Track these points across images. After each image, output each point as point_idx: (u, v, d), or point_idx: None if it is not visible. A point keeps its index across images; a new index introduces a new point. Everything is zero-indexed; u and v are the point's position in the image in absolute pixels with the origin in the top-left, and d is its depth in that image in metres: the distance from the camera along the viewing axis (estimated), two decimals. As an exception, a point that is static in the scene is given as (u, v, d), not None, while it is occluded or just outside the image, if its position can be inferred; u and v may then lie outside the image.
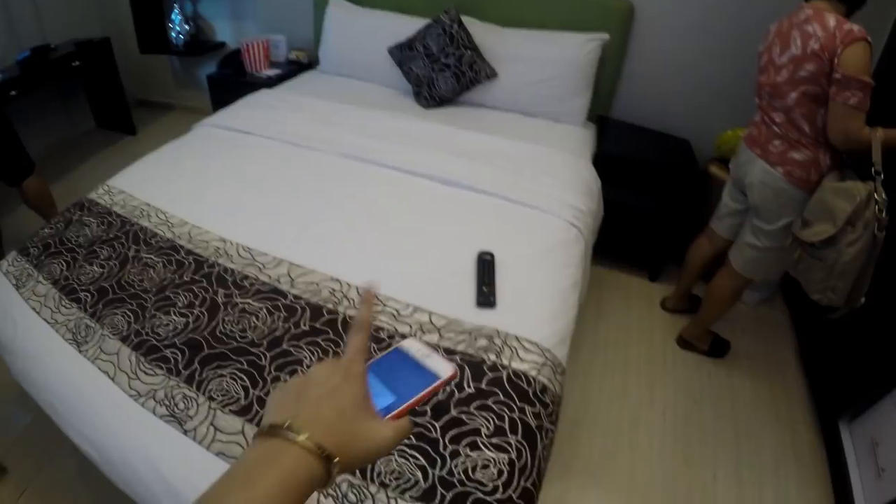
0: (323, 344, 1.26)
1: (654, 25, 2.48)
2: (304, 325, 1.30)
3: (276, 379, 1.20)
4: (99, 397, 1.28)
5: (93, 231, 1.75)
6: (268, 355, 1.25)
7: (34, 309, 1.57)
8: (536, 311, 1.43)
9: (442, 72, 2.47)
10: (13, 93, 3.12)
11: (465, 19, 2.50)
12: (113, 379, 1.31)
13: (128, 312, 1.45)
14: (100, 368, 1.34)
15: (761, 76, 1.72)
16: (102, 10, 4.16)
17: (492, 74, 2.46)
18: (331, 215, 1.72)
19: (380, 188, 1.87)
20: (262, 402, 1.16)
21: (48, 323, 1.51)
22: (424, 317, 1.35)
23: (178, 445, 1.12)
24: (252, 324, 1.33)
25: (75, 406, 1.31)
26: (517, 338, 1.32)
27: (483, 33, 2.48)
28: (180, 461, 1.10)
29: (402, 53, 2.59)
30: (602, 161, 2.29)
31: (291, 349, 1.26)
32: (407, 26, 2.61)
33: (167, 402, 1.21)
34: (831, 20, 1.45)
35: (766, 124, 1.72)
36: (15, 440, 1.84)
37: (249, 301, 1.39)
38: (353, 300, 1.36)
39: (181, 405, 1.21)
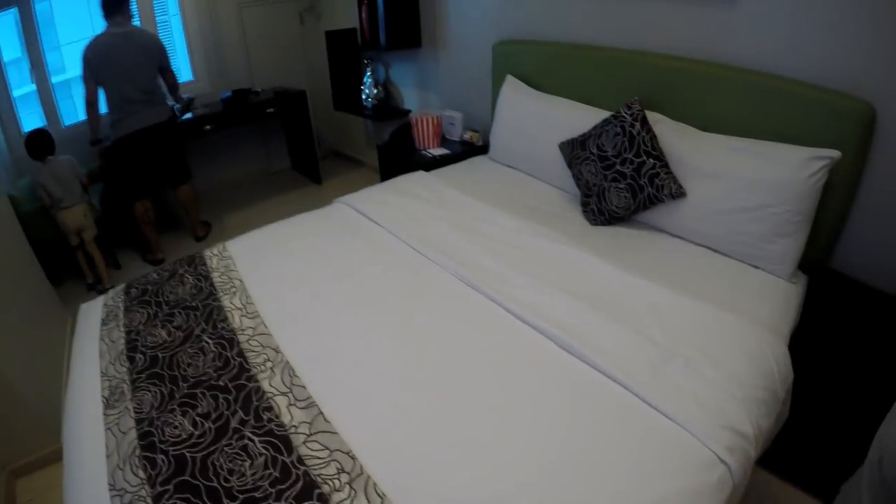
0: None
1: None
2: (287, 499, 1.14)
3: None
4: (85, 467, 1.30)
5: (185, 291, 1.84)
6: (232, 520, 1.11)
7: (100, 351, 1.66)
8: None
9: (615, 182, 2.12)
10: (207, 127, 3.71)
11: (653, 116, 2.12)
12: (107, 456, 1.31)
13: (158, 394, 1.45)
14: (106, 438, 1.36)
15: None
16: (307, 64, 4.96)
17: (678, 194, 1.99)
18: (395, 358, 1.53)
19: (475, 334, 1.60)
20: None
21: (100, 373, 1.57)
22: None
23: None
24: (242, 469, 1.22)
25: (71, 459, 1.35)
26: None
27: (673, 135, 2.07)
28: None
29: (574, 152, 2.31)
30: (807, 338, 1.73)
31: (257, 526, 1.10)
32: (586, 118, 2.31)
33: (125, 515, 1.16)
34: None
35: None
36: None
37: (255, 441, 1.28)
38: (355, 492, 1.16)
39: (132, 529, 1.13)
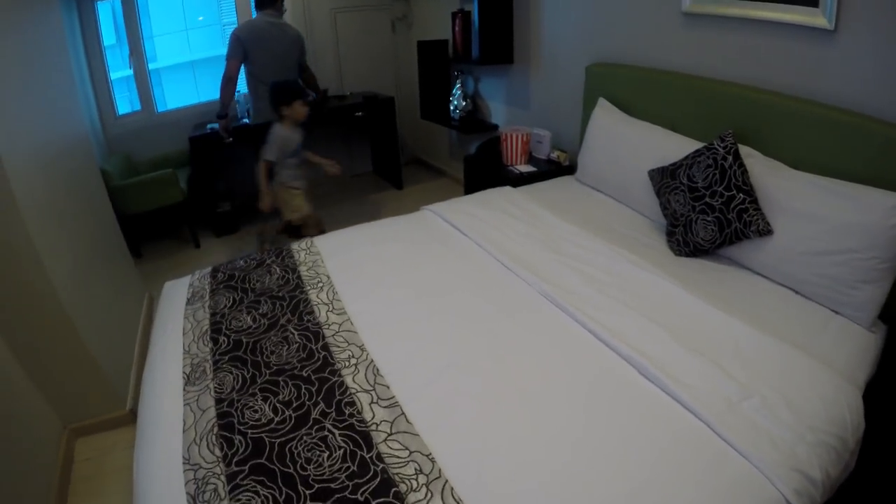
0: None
1: None
2: (363, 494, 1.18)
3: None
4: (160, 438, 1.39)
5: (271, 281, 1.94)
6: (308, 504, 1.17)
7: (184, 329, 1.76)
8: None
9: (703, 214, 2.12)
10: (297, 126, 3.92)
11: (744, 150, 2.13)
12: (184, 431, 1.40)
13: (240, 377, 1.53)
14: (184, 413, 1.46)
15: None
16: (395, 71, 5.19)
17: (765, 231, 1.99)
18: (480, 368, 1.57)
19: (558, 353, 1.64)
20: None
21: (183, 350, 1.67)
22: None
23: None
24: (320, 459, 1.27)
25: (146, 427, 1.45)
26: None
27: (764, 171, 2.07)
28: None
29: (663, 181, 2.33)
30: (882, 390, 1.69)
31: (332, 515, 1.15)
32: (676, 147, 2.35)
33: (198, 485, 1.23)
34: None
35: None
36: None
37: (335, 433, 1.34)
38: (432, 494, 1.19)
39: (206, 496, 1.21)
